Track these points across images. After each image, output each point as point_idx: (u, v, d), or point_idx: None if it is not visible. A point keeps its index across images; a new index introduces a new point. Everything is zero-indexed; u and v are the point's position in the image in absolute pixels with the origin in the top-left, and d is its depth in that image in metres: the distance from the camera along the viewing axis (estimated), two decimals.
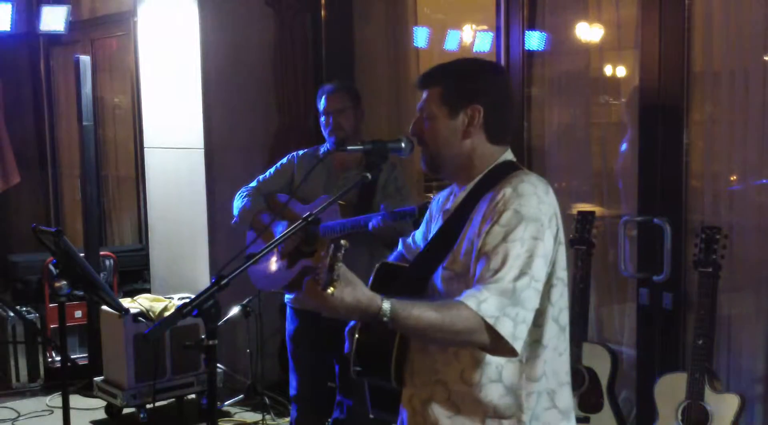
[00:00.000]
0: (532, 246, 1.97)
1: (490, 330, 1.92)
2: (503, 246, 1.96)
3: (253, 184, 3.88)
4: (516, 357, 2.00)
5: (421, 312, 1.91)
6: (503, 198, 2.02)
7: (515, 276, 1.94)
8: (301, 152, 3.86)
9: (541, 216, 2.01)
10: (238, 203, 3.82)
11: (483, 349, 2.01)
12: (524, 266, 1.96)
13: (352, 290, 1.85)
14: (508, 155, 2.19)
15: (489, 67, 2.22)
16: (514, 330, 1.93)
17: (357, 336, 2.16)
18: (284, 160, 3.87)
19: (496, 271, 1.94)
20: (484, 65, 2.23)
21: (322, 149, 3.82)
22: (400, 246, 2.55)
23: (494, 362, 2.07)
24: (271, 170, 3.89)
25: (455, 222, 2.14)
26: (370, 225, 3.39)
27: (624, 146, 4.00)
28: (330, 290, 1.80)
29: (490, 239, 1.99)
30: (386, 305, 1.88)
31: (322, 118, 3.72)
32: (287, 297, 3.89)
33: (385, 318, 1.88)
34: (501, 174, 2.11)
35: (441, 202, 2.32)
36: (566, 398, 2.16)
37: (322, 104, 3.72)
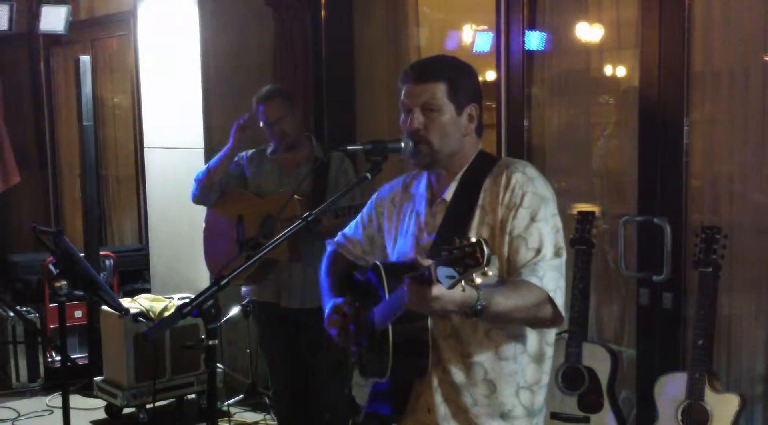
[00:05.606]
0: (555, 222, 2.15)
1: (551, 302, 2.06)
2: (534, 227, 2.11)
3: (203, 168, 3.99)
4: (562, 325, 2.15)
5: (501, 295, 1.99)
6: (517, 183, 2.15)
7: (555, 252, 2.11)
8: (249, 152, 3.98)
9: (550, 194, 2.18)
10: (195, 185, 3.94)
11: (538, 324, 2.13)
12: (557, 241, 2.13)
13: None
14: (480, 144, 2.32)
15: (470, 66, 2.31)
16: (563, 300, 2.09)
17: (391, 335, 2.10)
18: (235, 159, 3.97)
19: (538, 250, 2.09)
20: (468, 64, 2.31)
21: (269, 149, 3.93)
22: (331, 248, 2.56)
23: (522, 334, 2.17)
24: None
25: (460, 210, 2.21)
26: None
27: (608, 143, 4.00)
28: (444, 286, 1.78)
29: (519, 222, 2.12)
30: (479, 293, 1.92)
31: (261, 124, 3.83)
32: (243, 289, 3.95)
33: (479, 307, 1.92)
34: (486, 162, 2.25)
35: (408, 191, 2.36)
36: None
37: (261, 115, 3.83)
